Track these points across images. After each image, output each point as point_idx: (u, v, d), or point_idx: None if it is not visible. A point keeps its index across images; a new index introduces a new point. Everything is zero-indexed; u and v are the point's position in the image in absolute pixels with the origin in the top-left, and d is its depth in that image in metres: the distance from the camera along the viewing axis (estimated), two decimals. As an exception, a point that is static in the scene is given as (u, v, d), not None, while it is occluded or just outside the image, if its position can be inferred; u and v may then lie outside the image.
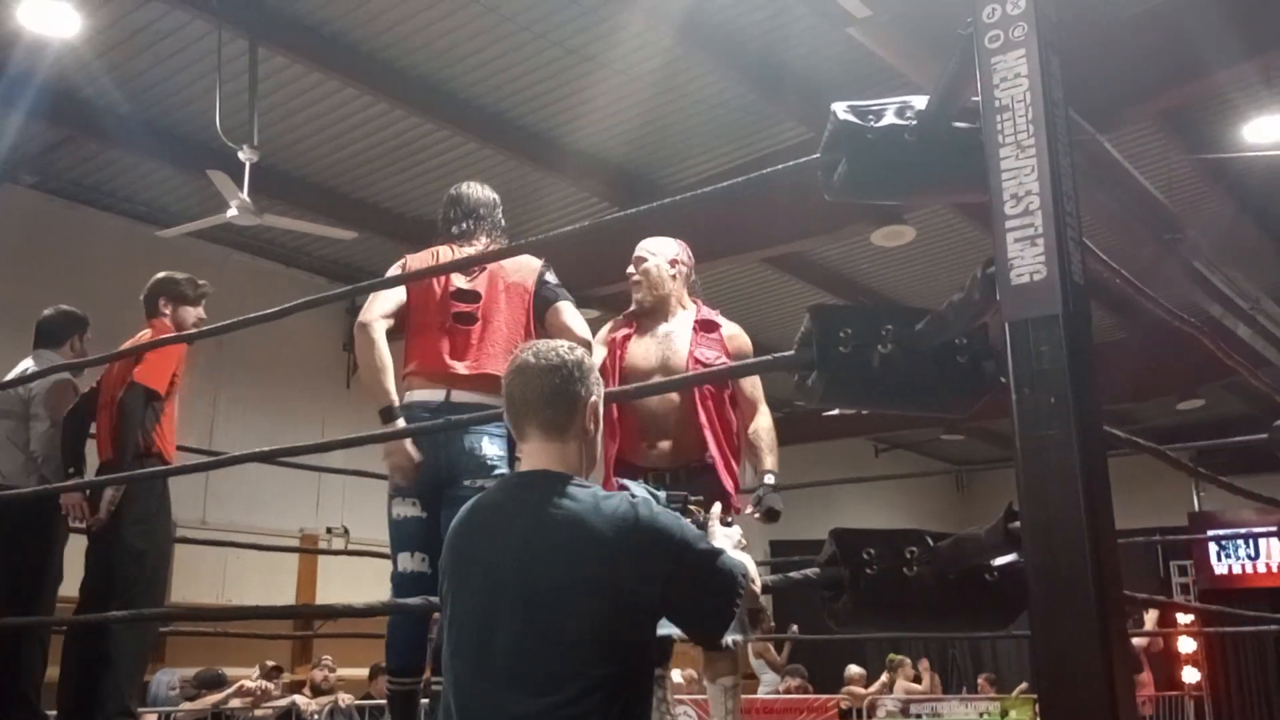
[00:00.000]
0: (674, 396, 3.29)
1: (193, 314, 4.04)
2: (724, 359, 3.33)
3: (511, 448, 2.91)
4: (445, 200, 3.38)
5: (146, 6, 5.70)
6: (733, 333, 3.46)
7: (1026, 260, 1.37)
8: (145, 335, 3.98)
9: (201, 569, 7.78)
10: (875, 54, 5.41)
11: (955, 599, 1.69)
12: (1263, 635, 9.97)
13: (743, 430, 3.40)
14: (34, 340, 4.24)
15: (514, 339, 3.07)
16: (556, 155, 7.17)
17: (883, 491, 14.19)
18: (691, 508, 2.56)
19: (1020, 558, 1.42)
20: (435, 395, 3.05)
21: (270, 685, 6.88)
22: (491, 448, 3.00)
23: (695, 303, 3.51)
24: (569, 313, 3.14)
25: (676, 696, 5.59)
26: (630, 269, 3.46)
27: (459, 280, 3.15)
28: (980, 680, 10.49)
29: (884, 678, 9.75)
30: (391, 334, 3.10)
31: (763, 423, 3.39)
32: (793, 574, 1.88)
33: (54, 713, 3.92)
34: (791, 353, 1.73)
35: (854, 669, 9.45)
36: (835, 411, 8.29)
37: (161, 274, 4.10)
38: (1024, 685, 9.19)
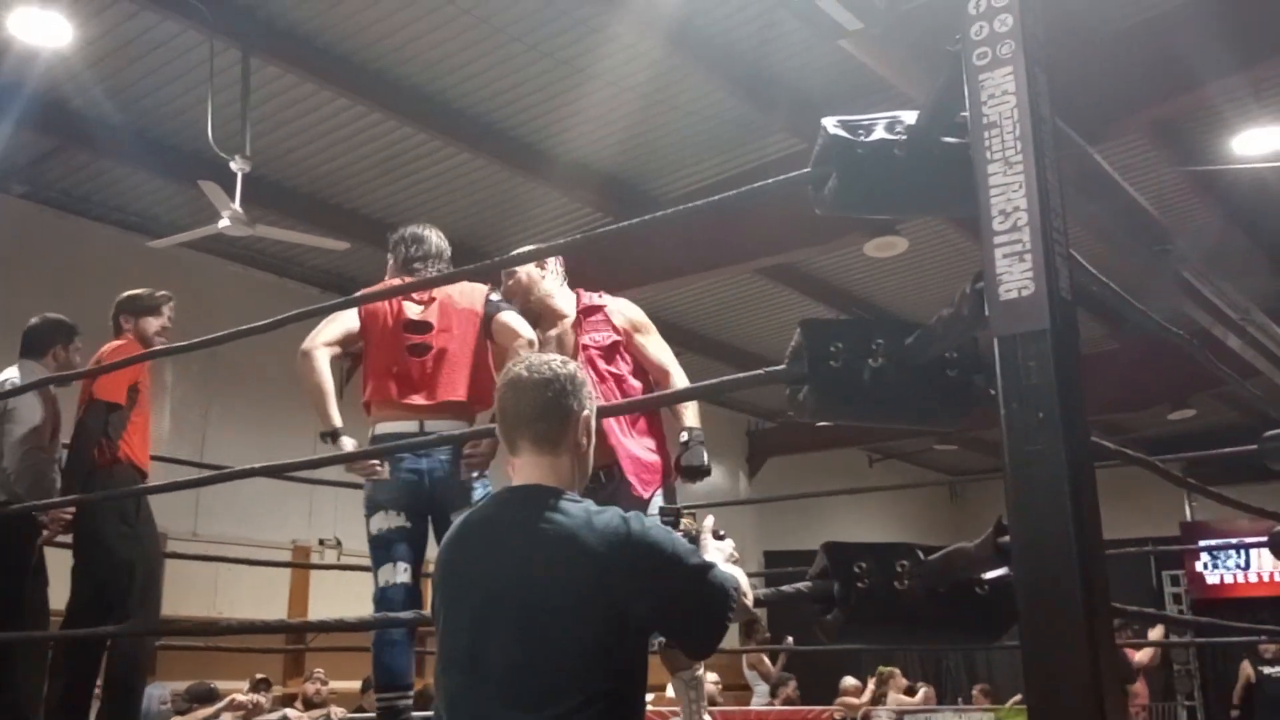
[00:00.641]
0: None
1: (155, 323, 4.11)
2: (614, 336, 3.36)
3: None
4: (403, 236, 3.46)
5: (139, 17, 5.71)
6: (617, 307, 3.46)
7: (1015, 276, 1.37)
8: (105, 352, 4.02)
9: (193, 581, 7.74)
10: (866, 66, 5.43)
11: (946, 613, 1.69)
12: (1255, 646, 9.97)
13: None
14: (19, 350, 4.22)
15: (469, 363, 3.20)
16: (547, 165, 7.17)
17: (877, 501, 14.18)
18: (684, 521, 2.56)
19: (1009, 572, 1.42)
20: (408, 427, 3.16)
21: (261, 699, 6.85)
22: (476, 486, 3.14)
23: (576, 293, 3.51)
24: (511, 316, 3.25)
25: (669, 709, 5.56)
26: (503, 286, 3.49)
27: (411, 312, 3.25)
28: (975, 691, 10.45)
29: (872, 687, 9.69)
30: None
31: (676, 384, 3.38)
32: (784, 588, 1.87)
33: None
34: (782, 366, 1.74)
35: (849, 680, 9.41)
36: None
37: (121, 294, 4.18)
38: (1018, 697, 9.17)
